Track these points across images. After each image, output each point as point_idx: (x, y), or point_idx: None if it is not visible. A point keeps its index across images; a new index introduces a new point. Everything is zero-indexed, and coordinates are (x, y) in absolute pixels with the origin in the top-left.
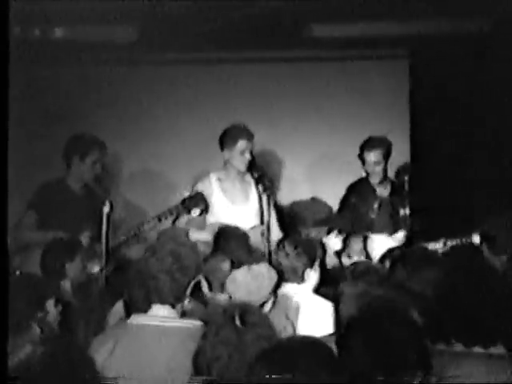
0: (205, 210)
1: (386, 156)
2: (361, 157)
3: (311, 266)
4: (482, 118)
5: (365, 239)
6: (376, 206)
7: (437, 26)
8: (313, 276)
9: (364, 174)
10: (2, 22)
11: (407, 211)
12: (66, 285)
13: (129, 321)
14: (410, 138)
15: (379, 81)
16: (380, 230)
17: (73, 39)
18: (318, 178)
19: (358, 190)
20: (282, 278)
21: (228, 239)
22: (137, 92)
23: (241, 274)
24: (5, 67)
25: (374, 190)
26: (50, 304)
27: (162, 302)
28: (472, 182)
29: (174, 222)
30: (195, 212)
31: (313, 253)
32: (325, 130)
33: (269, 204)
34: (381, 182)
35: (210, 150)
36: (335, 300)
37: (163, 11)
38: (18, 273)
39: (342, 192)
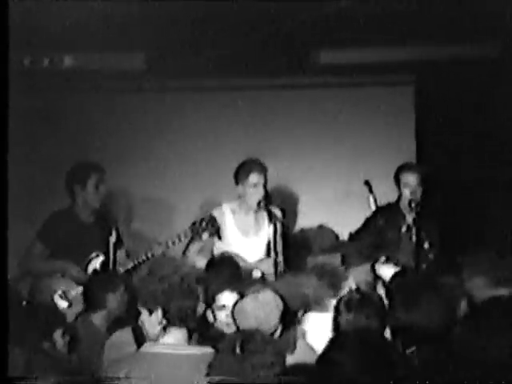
0: (215, 233)
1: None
2: (397, 179)
3: (335, 295)
4: (490, 143)
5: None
6: (404, 231)
7: (442, 52)
8: None
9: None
10: (2, 26)
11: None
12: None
13: (142, 349)
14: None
15: (385, 107)
16: (403, 258)
17: (81, 67)
18: (326, 206)
19: (388, 213)
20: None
21: (220, 267)
22: (145, 119)
23: (248, 303)
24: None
25: (404, 216)
26: (58, 334)
27: (172, 324)
28: (483, 208)
29: (186, 247)
30: (205, 236)
31: (337, 282)
32: (329, 157)
33: (276, 235)
34: (409, 210)
35: (218, 178)
36: None
37: (170, 39)
38: (24, 303)
39: (349, 221)
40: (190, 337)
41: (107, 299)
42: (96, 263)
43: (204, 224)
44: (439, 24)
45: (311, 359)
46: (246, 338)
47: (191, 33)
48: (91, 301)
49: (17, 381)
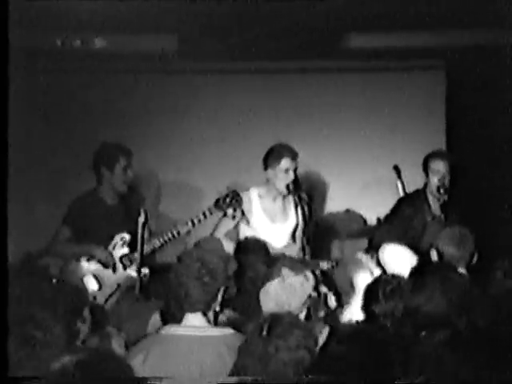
0: (239, 208)
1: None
2: (425, 165)
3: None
4: None
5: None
6: (429, 219)
7: (473, 37)
8: None
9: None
10: (2, 23)
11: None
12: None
13: (162, 331)
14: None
15: (415, 92)
16: (426, 245)
17: (112, 49)
18: (354, 192)
19: (414, 202)
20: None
21: (247, 253)
22: (174, 102)
23: (274, 286)
24: (5, 71)
25: (430, 205)
26: (87, 312)
27: (193, 309)
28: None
29: (213, 230)
30: (229, 212)
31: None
32: (362, 144)
33: (304, 220)
34: (437, 196)
35: (245, 162)
36: None
37: (201, 21)
38: (54, 281)
39: (378, 206)
40: (214, 319)
41: None
42: (121, 247)
43: (228, 199)
44: (470, 8)
45: None
46: (273, 320)
47: (221, 16)
48: None
49: (17, 381)
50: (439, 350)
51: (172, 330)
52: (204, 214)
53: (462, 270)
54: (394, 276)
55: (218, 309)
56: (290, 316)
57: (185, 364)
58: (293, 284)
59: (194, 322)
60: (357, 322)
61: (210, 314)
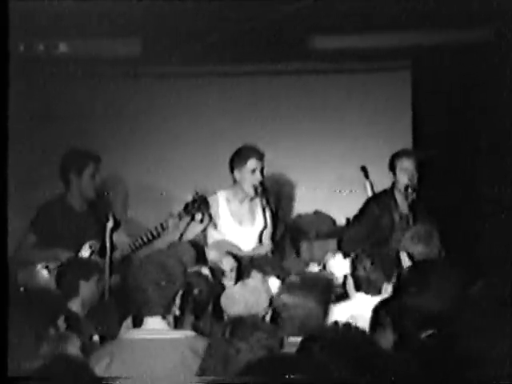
0: (207, 212)
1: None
2: (392, 164)
3: (388, 279)
4: (486, 128)
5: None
6: (397, 219)
7: (438, 36)
8: (389, 289)
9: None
10: (2, 27)
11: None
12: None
13: (123, 336)
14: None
15: (381, 92)
16: (394, 245)
17: (76, 54)
18: (323, 192)
19: (382, 200)
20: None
21: None
22: (140, 106)
23: (236, 290)
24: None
25: (397, 204)
26: (61, 320)
27: (152, 313)
28: (478, 196)
29: (181, 235)
30: (198, 217)
31: (389, 267)
32: (329, 145)
33: (273, 224)
34: (405, 195)
35: (213, 166)
36: None
37: (166, 25)
38: (22, 289)
39: (346, 207)
40: (175, 322)
41: (80, 286)
42: (87, 252)
43: (196, 204)
44: (434, 8)
45: None
46: (236, 323)
47: (186, 19)
48: (64, 287)
49: (17, 381)
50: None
51: (134, 334)
52: (173, 217)
53: None
54: None
55: (177, 313)
56: (253, 318)
57: (148, 367)
58: (256, 286)
59: (154, 326)
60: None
61: (170, 318)
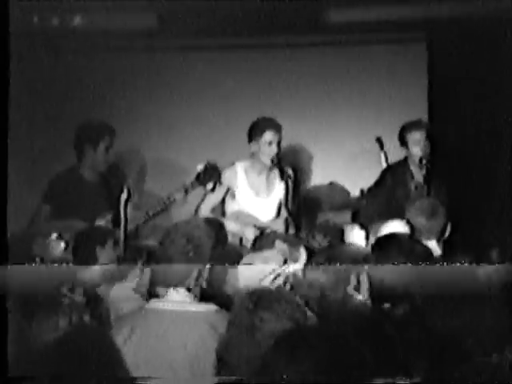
0: (218, 182)
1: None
2: (402, 137)
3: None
4: (503, 101)
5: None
6: (412, 189)
7: (454, 8)
8: None
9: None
10: (3, 20)
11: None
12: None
13: (146, 306)
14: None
15: (397, 64)
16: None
17: (91, 27)
18: (338, 164)
19: (396, 172)
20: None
21: None
22: (156, 80)
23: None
24: (6, 65)
25: (412, 175)
26: (80, 292)
27: (178, 284)
28: (492, 170)
29: (198, 206)
30: (210, 185)
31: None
32: (344, 117)
33: (288, 194)
34: (420, 166)
35: (230, 138)
36: None
37: None
38: (38, 260)
39: (361, 178)
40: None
41: (97, 253)
42: (102, 222)
43: (208, 174)
44: None
45: None
46: (260, 293)
47: None
48: (82, 255)
49: (17, 381)
50: None
51: (157, 304)
52: (185, 188)
53: (432, 243)
54: None
55: (204, 285)
56: (278, 289)
57: (167, 339)
58: (267, 256)
59: (177, 297)
60: None
61: (197, 290)
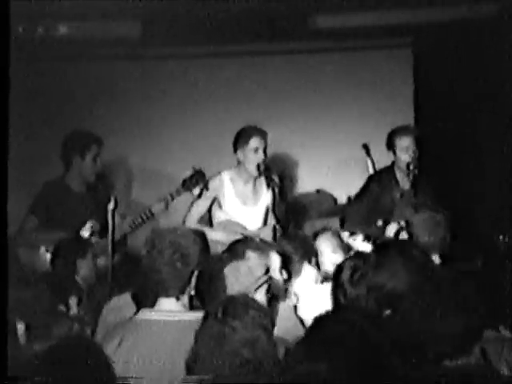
0: (205, 187)
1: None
2: (390, 143)
3: (308, 260)
4: (488, 104)
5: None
6: (398, 196)
7: (440, 13)
8: (309, 270)
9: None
10: (3, 23)
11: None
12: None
13: (136, 316)
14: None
15: (383, 70)
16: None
17: (76, 36)
18: (325, 171)
19: (382, 179)
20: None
21: None
22: (140, 87)
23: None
24: (5, 67)
25: (397, 181)
26: (74, 301)
27: (167, 294)
28: (478, 174)
29: (185, 216)
30: (196, 191)
31: (309, 248)
32: (330, 124)
33: (275, 201)
34: (406, 172)
35: (216, 146)
36: None
37: (167, 5)
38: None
39: (348, 185)
40: (190, 303)
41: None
42: (87, 232)
43: (194, 179)
44: None
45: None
46: (228, 302)
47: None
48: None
49: (17, 381)
50: None
51: (146, 314)
52: (171, 195)
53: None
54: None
55: (193, 293)
56: (245, 297)
57: (157, 349)
58: (251, 266)
59: (168, 307)
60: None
61: (185, 298)
